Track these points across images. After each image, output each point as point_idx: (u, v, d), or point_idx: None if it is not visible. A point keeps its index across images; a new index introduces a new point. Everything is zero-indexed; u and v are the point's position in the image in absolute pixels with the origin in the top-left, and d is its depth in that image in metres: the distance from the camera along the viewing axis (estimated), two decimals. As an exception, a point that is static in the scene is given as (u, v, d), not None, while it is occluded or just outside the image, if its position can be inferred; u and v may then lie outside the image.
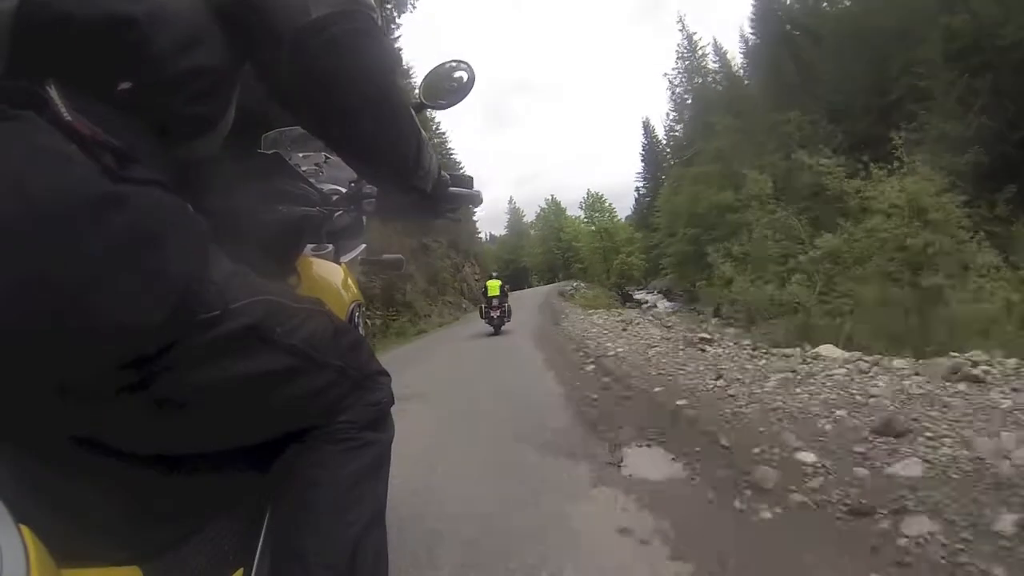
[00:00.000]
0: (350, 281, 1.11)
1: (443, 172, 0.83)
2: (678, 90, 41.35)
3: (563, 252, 63.69)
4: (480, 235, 48.71)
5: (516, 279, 60.23)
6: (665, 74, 44.30)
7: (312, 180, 0.96)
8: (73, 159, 0.43)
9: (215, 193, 0.60)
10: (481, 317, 11.26)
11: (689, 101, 40.37)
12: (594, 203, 55.89)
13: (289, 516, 0.62)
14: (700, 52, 39.22)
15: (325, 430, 0.65)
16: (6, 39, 0.45)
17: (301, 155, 1.12)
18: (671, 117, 52.60)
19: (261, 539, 0.63)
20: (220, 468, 0.60)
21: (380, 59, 0.60)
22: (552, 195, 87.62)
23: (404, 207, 0.88)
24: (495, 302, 10.98)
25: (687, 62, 39.81)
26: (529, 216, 72.41)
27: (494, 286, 11.28)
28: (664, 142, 57.11)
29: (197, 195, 0.55)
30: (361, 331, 1.14)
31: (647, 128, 63.14)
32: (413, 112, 0.70)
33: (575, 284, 31.41)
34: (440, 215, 0.91)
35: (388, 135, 0.64)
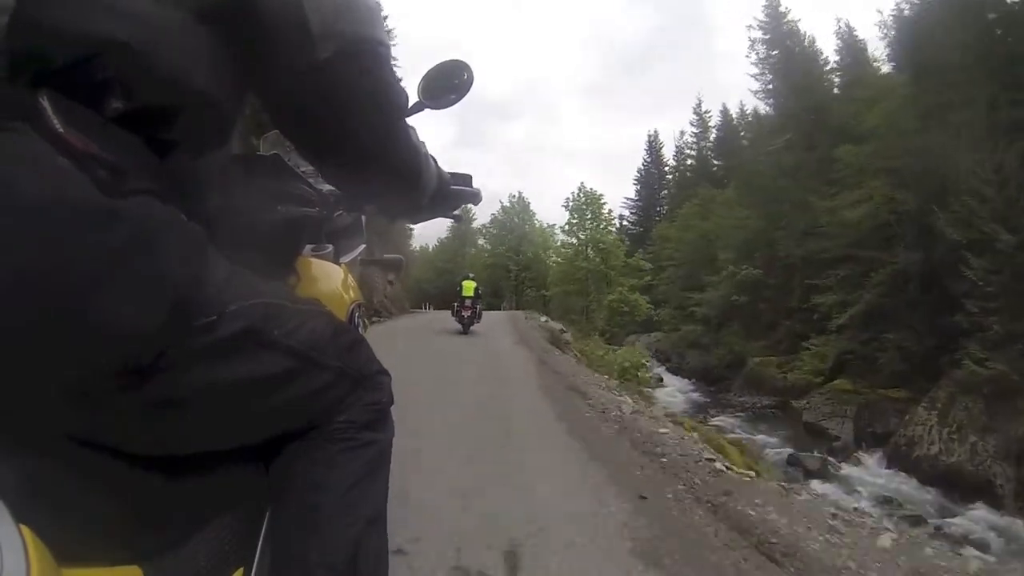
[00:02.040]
0: (350, 281, 1.11)
1: (443, 171, 0.83)
2: (766, 53, 27.89)
3: (519, 271, 45.89)
4: (412, 231, 34.07)
5: (447, 296, 47.99)
6: (749, 26, 28.36)
7: (311, 180, 0.96)
8: (66, 171, 0.43)
9: (213, 194, 0.60)
10: (453, 315, 12.10)
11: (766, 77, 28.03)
12: (588, 203, 35.87)
13: (289, 516, 0.62)
14: (788, 20, 27.47)
15: (325, 430, 0.65)
16: None
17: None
18: (690, 134, 43.63)
19: (261, 539, 0.63)
20: (220, 468, 0.60)
21: (385, 100, 0.59)
22: (519, 191, 62.38)
23: (405, 207, 0.89)
24: (468, 302, 11.83)
25: (769, 34, 28.23)
26: (482, 218, 51.53)
27: (469, 287, 12.09)
28: (674, 163, 47.27)
29: (195, 196, 0.55)
30: (361, 331, 1.14)
31: (652, 144, 50.52)
32: (418, 139, 0.70)
33: (543, 320, 19.60)
34: (441, 214, 0.92)
35: (389, 168, 0.64)
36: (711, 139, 43.07)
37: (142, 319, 0.45)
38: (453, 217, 0.98)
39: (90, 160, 0.45)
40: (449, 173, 0.87)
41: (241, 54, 0.54)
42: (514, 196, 50.76)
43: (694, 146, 45.31)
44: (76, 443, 0.49)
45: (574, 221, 36.55)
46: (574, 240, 36.66)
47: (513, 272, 47.12)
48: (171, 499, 0.56)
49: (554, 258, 40.93)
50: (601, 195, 36.73)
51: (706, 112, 44.26)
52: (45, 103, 0.45)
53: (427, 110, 0.90)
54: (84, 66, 0.46)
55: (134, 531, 0.51)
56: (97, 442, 0.50)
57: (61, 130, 0.44)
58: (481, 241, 52.22)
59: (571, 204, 36.99)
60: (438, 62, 0.92)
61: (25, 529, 0.39)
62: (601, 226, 35.88)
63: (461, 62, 0.91)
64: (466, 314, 11.60)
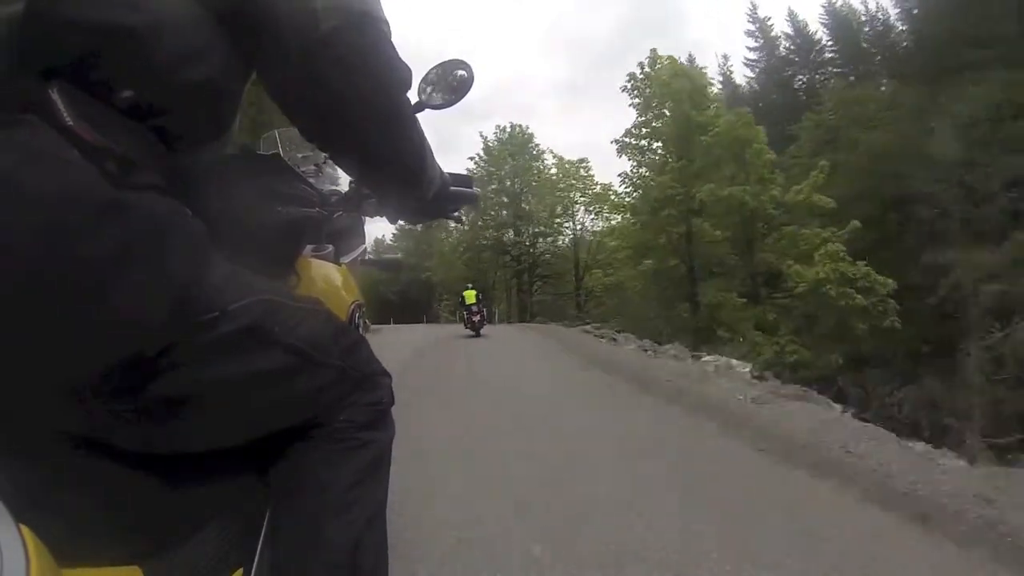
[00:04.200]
0: (350, 282, 1.12)
1: (444, 172, 0.83)
2: None
3: (521, 252, 28.44)
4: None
5: (416, 302, 31.29)
6: None
7: (312, 181, 0.96)
8: (74, 164, 0.44)
9: (214, 195, 0.60)
10: (464, 325, 13.42)
11: None
12: (673, 78, 17.77)
13: (289, 515, 0.62)
14: None
15: (325, 430, 0.65)
16: (9, 43, 0.45)
17: (300, 155, 1.13)
18: (747, 48, 29.27)
19: (261, 539, 0.63)
20: (220, 468, 0.60)
21: (389, 74, 0.60)
22: (512, 123, 35.13)
23: (405, 208, 0.89)
24: (474, 308, 13.26)
25: None
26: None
27: (471, 295, 13.64)
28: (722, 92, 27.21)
29: (196, 197, 0.55)
30: (362, 331, 1.14)
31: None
32: (420, 124, 0.70)
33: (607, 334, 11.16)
34: (441, 215, 0.92)
35: (395, 149, 0.64)
36: (782, 51, 30.45)
37: (145, 314, 0.45)
38: (453, 219, 0.98)
39: (99, 152, 0.45)
40: (449, 174, 0.87)
41: (245, 36, 0.54)
42: (503, 128, 29.58)
43: (759, 63, 31.40)
44: (76, 443, 0.49)
45: (650, 122, 18.00)
46: (640, 167, 18.43)
47: (511, 254, 28.05)
48: (171, 499, 0.56)
49: (597, 211, 24.52)
50: (705, 68, 20.09)
51: (766, 19, 31.35)
52: (55, 95, 0.45)
53: (427, 110, 0.90)
54: (94, 57, 0.46)
55: (134, 531, 0.51)
56: (98, 442, 0.50)
57: (71, 122, 0.45)
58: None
59: (635, 85, 18.24)
60: (438, 62, 0.92)
61: (25, 529, 0.39)
62: (711, 112, 17.48)
63: (461, 61, 0.91)
64: (475, 319, 13.07)
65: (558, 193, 28.26)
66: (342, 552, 0.61)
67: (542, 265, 29.11)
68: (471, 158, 29.90)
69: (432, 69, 0.91)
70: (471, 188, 0.93)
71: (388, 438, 0.73)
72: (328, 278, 1.00)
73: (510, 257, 28.91)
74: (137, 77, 0.48)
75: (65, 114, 0.45)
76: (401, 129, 0.63)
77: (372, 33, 0.57)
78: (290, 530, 0.61)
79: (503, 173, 29.38)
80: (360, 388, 0.69)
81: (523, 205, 28.95)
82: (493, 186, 29.15)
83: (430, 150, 0.72)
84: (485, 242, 29.15)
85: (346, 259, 1.13)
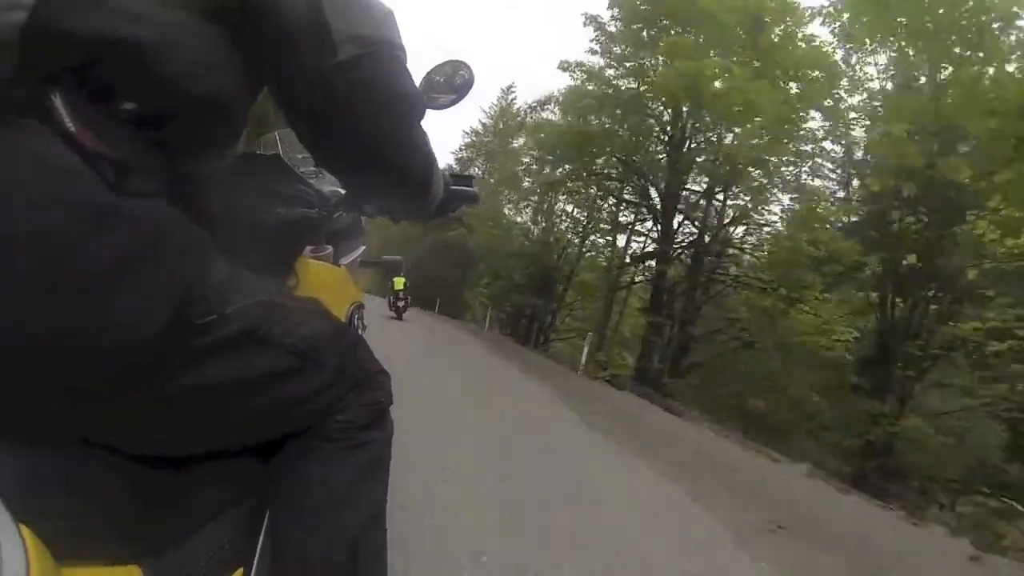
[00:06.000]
0: (349, 282, 1.12)
1: (445, 173, 0.83)
2: None
3: (705, 188, 11.64)
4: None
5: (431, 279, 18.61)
6: None
7: (311, 181, 0.96)
8: (74, 169, 0.44)
9: (214, 196, 0.61)
10: (389, 307, 14.56)
11: None
12: None
13: (289, 516, 0.62)
14: None
15: (324, 429, 0.65)
16: (13, 48, 0.45)
17: (300, 156, 1.13)
18: None
19: (261, 539, 0.64)
20: (220, 468, 0.60)
21: (403, 100, 0.60)
22: None
23: (405, 208, 0.89)
24: (401, 295, 14.47)
25: None
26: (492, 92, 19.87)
27: (400, 282, 14.43)
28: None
29: (196, 198, 0.55)
30: (360, 332, 1.14)
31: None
32: (431, 145, 0.70)
33: None
34: (439, 214, 0.92)
35: (403, 168, 0.65)
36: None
37: (145, 319, 0.46)
38: (453, 217, 0.98)
39: (99, 158, 0.45)
40: (451, 174, 0.87)
41: (255, 56, 0.54)
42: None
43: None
44: (76, 443, 0.49)
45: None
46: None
47: (651, 198, 13.65)
48: (171, 498, 0.56)
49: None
50: None
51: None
52: (57, 101, 0.45)
53: (427, 111, 0.90)
54: (97, 66, 0.46)
55: (134, 530, 0.52)
56: (97, 442, 0.50)
57: (72, 128, 0.45)
58: (526, 160, 17.60)
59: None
60: (437, 63, 0.92)
61: (25, 529, 0.39)
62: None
63: (460, 62, 0.92)
64: (400, 304, 14.54)
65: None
66: (342, 551, 0.61)
67: (734, 246, 12.99)
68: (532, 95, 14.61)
69: (432, 70, 0.92)
70: (471, 187, 0.93)
71: (387, 437, 0.73)
72: (327, 279, 1.01)
73: (638, 210, 13.28)
74: (141, 89, 0.48)
75: (66, 119, 0.45)
76: (411, 149, 0.64)
77: (388, 61, 0.58)
78: (290, 530, 0.61)
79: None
80: (359, 388, 0.69)
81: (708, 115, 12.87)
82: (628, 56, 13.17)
83: (437, 168, 0.72)
84: (581, 181, 13.75)
85: (345, 260, 1.13)
